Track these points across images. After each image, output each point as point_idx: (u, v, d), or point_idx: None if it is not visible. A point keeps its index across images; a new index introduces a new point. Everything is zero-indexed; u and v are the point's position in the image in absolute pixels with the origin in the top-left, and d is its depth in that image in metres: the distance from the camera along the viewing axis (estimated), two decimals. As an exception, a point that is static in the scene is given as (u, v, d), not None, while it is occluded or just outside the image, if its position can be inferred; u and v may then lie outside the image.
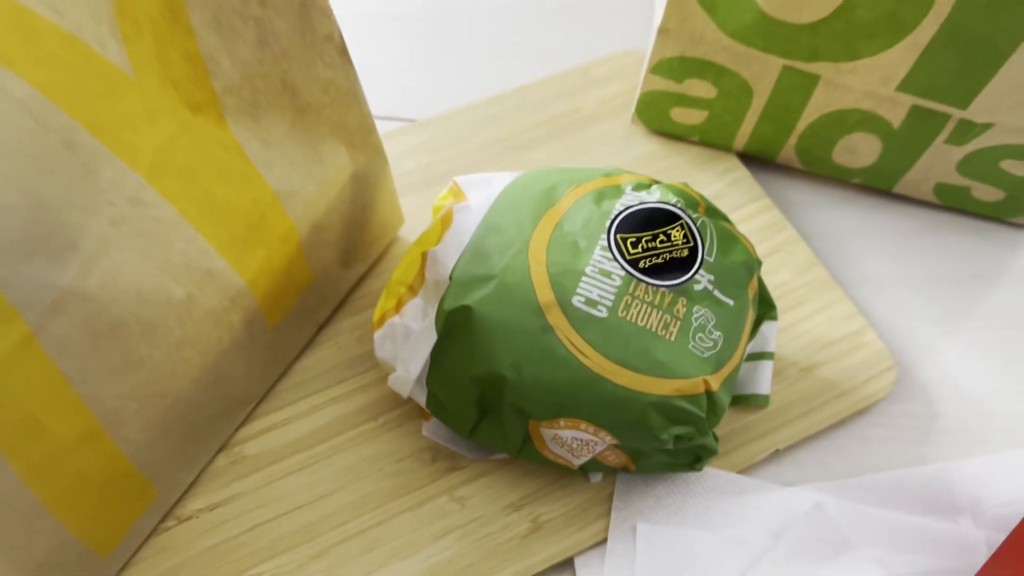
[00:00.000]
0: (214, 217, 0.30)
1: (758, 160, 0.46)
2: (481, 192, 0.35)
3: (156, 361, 0.30)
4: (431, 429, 0.36)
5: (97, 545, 0.31)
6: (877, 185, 0.43)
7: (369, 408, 0.37)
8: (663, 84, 0.42)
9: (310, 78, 0.31)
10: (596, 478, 0.35)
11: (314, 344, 0.38)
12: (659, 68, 0.41)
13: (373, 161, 0.36)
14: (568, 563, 0.34)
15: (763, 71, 0.39)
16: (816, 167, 0.44)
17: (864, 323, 0.39)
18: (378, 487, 0.35)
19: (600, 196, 0.33)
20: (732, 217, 0.42)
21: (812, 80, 0.39)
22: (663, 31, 0.39)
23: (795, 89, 0.39)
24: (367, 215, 0.38)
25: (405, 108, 0.48)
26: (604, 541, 0.34)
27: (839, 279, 0.42)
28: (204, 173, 0.30)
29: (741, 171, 0.44)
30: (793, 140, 0.42)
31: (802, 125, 0.41)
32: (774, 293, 0.40)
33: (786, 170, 0.46)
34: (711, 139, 0.44)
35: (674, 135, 0.45)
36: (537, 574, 0.34)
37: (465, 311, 0.31)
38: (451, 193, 0.37)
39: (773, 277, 0.41)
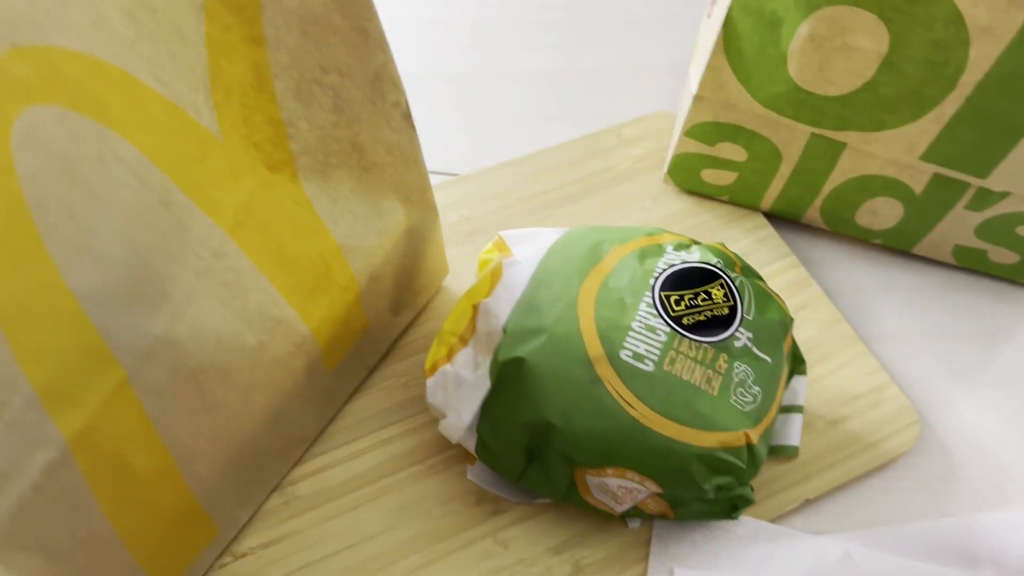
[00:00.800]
0: (285, 268, 0.32)
1: (782, 218, 0.48)
2: (526, 247, 0.37)
3: (227, 403, 0.31)
4: (476, 473, 0.37)
5: None
6: (897, 246, 0.46)
7: (416, 451, 0.39)
8: (696, 147, 0.44)
9: (377, 140, 0.34)
10: (634, 524, 0.37)
11: (364, 388, 0.40)
12: (693, 132, 0.44)
13: (426, 216, 0.38)
14: (607, 605, 0.36)
15: (792, 137, 0.42)
16: (839, 227, 0.46)
17: (887, 379, 0.41)
18: (425, 528, 0.37)
19: (643, 254, 0.35)
20: (761, 274, 0.44)
21: (839, 147, 0.41)
22: (698, 98, 0.42)
23: (822, 155, 0.42)
24: (417, 266, 0.40)
25: (449, 163, 0.50)
26: (642, 585, 0.36)
27: (860, 334, 0.44)
28: (278, 227, 0.32)
29: (768, 229, 0.46)
30: (818, 202, 0.44)
31: (827, 188, 0.43)
32: (800, 348, 0.42)
33: (809, 228, 0.48)
34: (740, 199, 0.46)
35: (704, 195, 0.47)
36: (577, 616, 0.35)
37: (518, 362, 0.33)
38: (496, 247, 0.39)
39: (799, 332, 0.42)
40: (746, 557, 0.36)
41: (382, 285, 0.38)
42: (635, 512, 0.35)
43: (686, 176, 0.46)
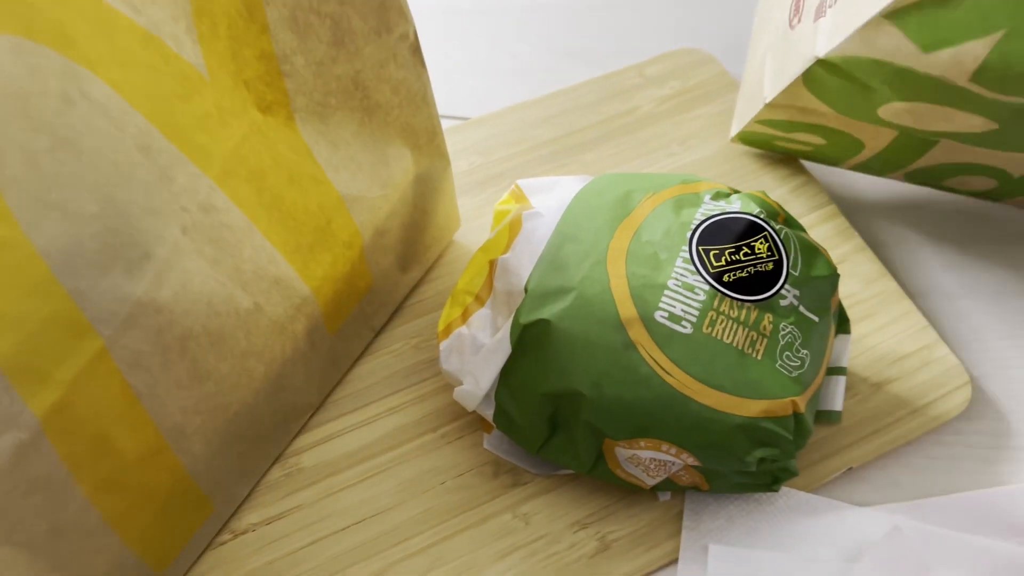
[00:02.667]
0: (282, 222, 0.29)
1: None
2: (545, 197, 0.34)
3: (221, 373, 0.28)
4: (493, 442, 0.35)
5: (154, 561, 0.30)
6: (985, 199, 0.42)
7: (428, 419, 0.36)
8: (766, 129, 0.40)
9: (382, 78, 0.30)
10: (665, 496, 0.34)
11: (370, 351, 0.37)
12: (764, 123, 0.39)
13: (436, 163, 0.35)
14: (636, 584, 0.33)
15: (877, 134, 0.37)
16: (921, 184, 0.42)
17: (935, 337, 0.38)
18: (439, 502, 0.34)
19: (679, 204, 0.32)
20: (798, 225, 0.41)
21: (931, 143, 0.37)
22: (772, 105, 0.37)
23: (911, 148, 0.37)
24: (427, 219, 0.36)
25: (457, 105, 0.46)
26: (674, 562, 0.33)
27: (907, 290, 0.41)
28: (273, 177, 0.28)
29: (805, 175, 0.43)
30: (901, 174, 0.40)
31: (914, 167, 0.39)
32: (843, 305, 0.39)
33: (849, 173, 0.44)
34: (817, 161, 0.42)
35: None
36: (604, 595, 0.33)
37: (543, 325, 0.29)
38: (513, 197, 0.35)
39: (841, 288, 0.39)
40: (786, 531, 0.34)
41: (388, 240, 0.34)
42: (666, 484, 0.32)
43: (755, 142, 0.42)
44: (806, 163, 0.44)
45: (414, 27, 0.30)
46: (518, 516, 0.34)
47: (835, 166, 0.42)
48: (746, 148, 0.44)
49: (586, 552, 0.33)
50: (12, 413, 0.22)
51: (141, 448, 0.26)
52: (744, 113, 0.41)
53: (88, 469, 0.25)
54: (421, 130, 0.33)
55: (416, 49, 0.30)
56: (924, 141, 0.37)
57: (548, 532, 0.33)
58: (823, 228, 0.41)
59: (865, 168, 0.41)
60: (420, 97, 0.32)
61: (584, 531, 0.33)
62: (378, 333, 0.38)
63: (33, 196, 0.21)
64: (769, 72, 0.38)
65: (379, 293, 0.36)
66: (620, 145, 0.44)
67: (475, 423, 0.36)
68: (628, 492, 0.34)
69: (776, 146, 0.42)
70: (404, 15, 0.29)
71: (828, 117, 0.37)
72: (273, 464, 0.34)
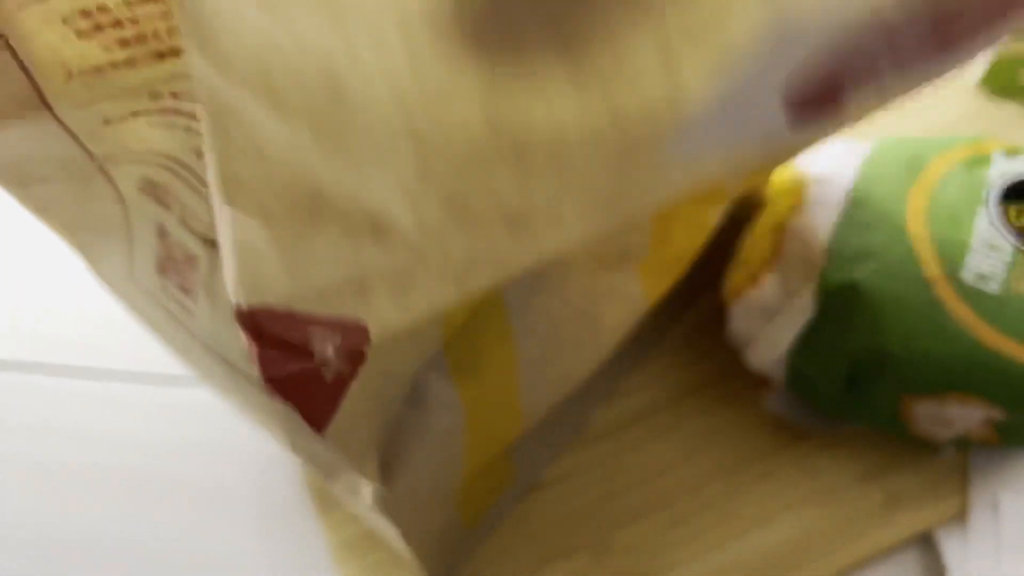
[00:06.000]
0: (660, 270, 0.32)
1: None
2: (823, 164, 0.35)
3: (564, 366, 0.31)
4: (775, 401, 0.36)
5: (468, 521, 0.33)
6: None
7: (706, 379, 0.38)
8: (1015, 46, 0.40)
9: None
10: (947, 453, 0.35)
11: (644, 317, 0.39)
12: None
13: None
14: (922, 536, 0.34)
15: None
16: None
17: None
18: (725, 457, 0.36)
19: (970, 164, 0.33)
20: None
21: None
22: None
23: None
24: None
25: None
26: (961, 514, 0.34)
27: None
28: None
29: (1064, 130, 0.42)
30: None
31: None
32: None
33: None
34: None
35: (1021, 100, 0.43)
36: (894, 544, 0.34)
37: (850, 287, 0.31)
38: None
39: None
40: (1077, 485, 0.34)
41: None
42: (956, 439, 0.33)
43: (1002, 81, 0.42)
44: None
45: None
46: (804, 470, 0.35)
47: None
48: (994, 111, 0.43)
49: (874, 503, 0.34)
50: (451, 400, 0.25)
51: (509, 436, 0.29)
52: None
53: (472, 454, 0.28)
54: None
55: None
56: None
57: (835, 485, 0.35)
58: (1087, 183, 0.40)
59: None
60: None
61: (870, 484, 0.35)
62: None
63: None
64: None
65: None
66: (861, 108, 0.44)
67: (750, 383, 0.37)
68: (908, 447, 0.35)
69: (1021, 84, 0.42)
70: None
71: None
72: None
